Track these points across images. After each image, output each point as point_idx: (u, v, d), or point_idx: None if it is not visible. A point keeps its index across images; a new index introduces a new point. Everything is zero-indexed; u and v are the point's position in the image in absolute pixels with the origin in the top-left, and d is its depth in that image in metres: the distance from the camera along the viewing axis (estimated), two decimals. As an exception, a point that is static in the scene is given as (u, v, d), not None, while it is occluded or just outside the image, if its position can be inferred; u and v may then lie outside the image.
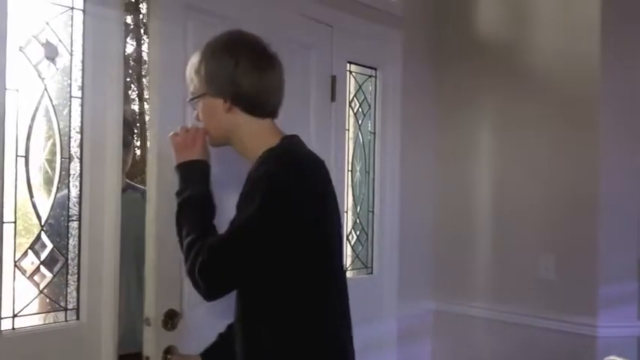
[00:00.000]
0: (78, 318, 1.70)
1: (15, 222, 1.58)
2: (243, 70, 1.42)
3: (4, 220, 1.54)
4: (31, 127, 1.62)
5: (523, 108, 2.64)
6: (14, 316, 1.58)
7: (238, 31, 1.51)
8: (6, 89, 1.54)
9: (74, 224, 1.70)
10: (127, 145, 2.15)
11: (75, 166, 1.70)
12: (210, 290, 1.29)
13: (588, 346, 2.36)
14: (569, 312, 2.44)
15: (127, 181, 2.31)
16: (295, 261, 1.33)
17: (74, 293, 1.70)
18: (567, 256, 2.48)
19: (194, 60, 1.46)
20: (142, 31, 9.96)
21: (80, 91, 1.70)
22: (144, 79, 9.81)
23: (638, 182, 2.44)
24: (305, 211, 1.32)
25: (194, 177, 1.44)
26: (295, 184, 1.32)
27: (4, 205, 1.54)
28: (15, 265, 1.58)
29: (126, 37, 9.64)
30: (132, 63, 9.65)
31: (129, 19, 9.54)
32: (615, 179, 2.42)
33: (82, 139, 1.70)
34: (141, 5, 9.91)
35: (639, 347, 2.38)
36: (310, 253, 1.35)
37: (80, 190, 1.70)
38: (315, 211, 1.35)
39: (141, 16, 9.97)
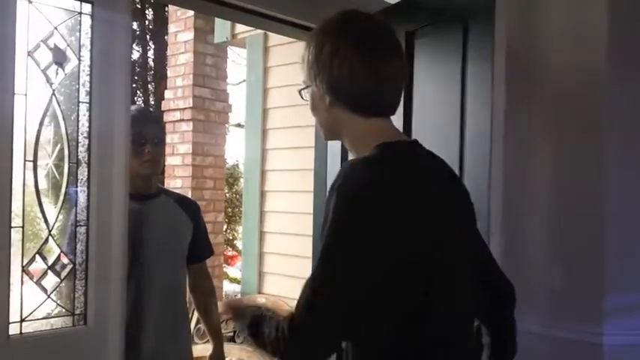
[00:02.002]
0: (85, 323, 1.70)
1: (23, 227, 1.58)
2: (343, 59, 1.17)
3: (13, 225, 1.54)
4: (39, 132, 1.62)
5: (529, 116, 2.63)
6: (22, 320, 1.58)
7: (353, 10, 1.25)
8: (14, 94, 1.54)
9: (82, 229, 1.70)
10: (159, 143, 2.10)
11: (83, 171, 1.70)
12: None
13: (594, 354, 2.34)
14: (574, 319, 2.42)
15: (160, 185, 2.26)
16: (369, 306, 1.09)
17: (82, 298, 1.70)
18: (574, 263, 2.46)
19: (304, 45, 1.26)
20: (148, 37, 10.01)
21: (88, 96, 1.70)
22: (149, 85, 9.85)
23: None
24: (374, 247, 1.07)
25: (249, 314, 1.28)
26: (359, 216, 1.08)
27: (13, 210, 1.54)
28: (23, 270, 1.59)
29: (132, 44, 9.72)
30: (138, 69, 9.69)
31: (135, 26, 9.60)
32: (622, 187, 2.41)
33: (89, 144, 1.70)
34: (147, 12, 9.99)
35: (646, 355, 2.37)
36: (382, 295, 1.09)
37: (88, 196, 1.70)
38: (387, 249, 1.08)
39: (147, 22, 10.03)
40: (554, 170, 2.55)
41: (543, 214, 2.58)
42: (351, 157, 1.25)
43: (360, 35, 1.19)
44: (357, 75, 1.18)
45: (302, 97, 1.30)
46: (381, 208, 1.09)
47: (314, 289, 1.08)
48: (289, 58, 4.11)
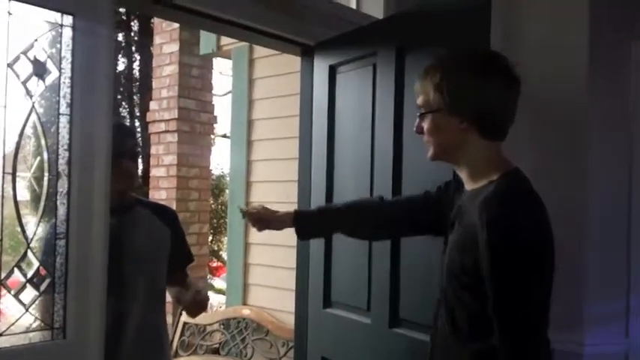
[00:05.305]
0: (65, 337, 1.68)
1: (1, 240, 1.56)
2: (492, 95, 1.38)
3: (-10, 238, 1.53)
4: (18, 144, 1.61)
5: (510, 131, 2.64)
6: (-1, 335, 1.56)
7: (484, 48, 1.50)
8: (-7, 106, 1.53)
9: (61, 242, 1.68)
10: (133, 156, 2.10)
11: (63, 184, 1.69)
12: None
13: (575, 364, 2.35)
14: (555, 328, 2.41)
15: (135, 196, 2.23)
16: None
17: (61, 312, 1.67)
18: (555, 272, 2.47)
19: (434, 73, 1.42)
20: (134, 48, 9.99)
21: (69, 109, 1.69)
22: (135, 97, 9.82)
23: (626, 200, 2.45)
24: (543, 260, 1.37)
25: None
26: (536, 236, 1.33)
27: (-10, 222, 1.53)
28: (0, 284, 1.57)
29: (117, 55, 9.73)
30: (123, 80, 9.66)
31: (120, 37, 9.58)
32: (603, 196, 2.43)
33: (70, 157, 1.69)
34: (132, 23, 9.97)
35: (626, 365, 2.37)
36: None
37: (68, 208, 1.69)
38: (546, 262, 1.39)
39: (132, 33, 10.01)
40: (536, 181, 2.57)
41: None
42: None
43: (505, 72, 1.40)
44: (503, 107, 1.40)
45: (420, 122, 1.46)
46: (546, 234, 1.36)
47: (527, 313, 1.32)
48: (275, 70, 4.12)
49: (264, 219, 1.81)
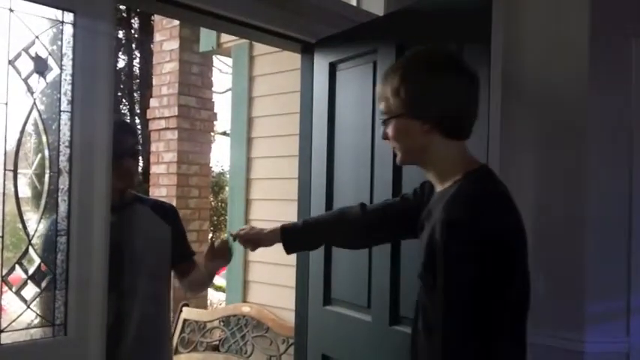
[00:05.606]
0: (66, 334, 1.68)
1: (2, 237, 1.56)
2: (451, 94, 1.37)
3: (-8, 235, 1.53)
4: (19, 141, 1.61)
5: (511, 130, 2.64)
6: (0, 331, 1.56)
7: (437, 48, 1.46)
8: (-5, 103, 1.53)
9: (62, 239, 1.68)
10: (134, 155, 2.11)
11: (64, 181, 1.69)
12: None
13: (575, 362, 2.36)
14: (556, 327, 2.43)
15: (134, 193, 2.22)
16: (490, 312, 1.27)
17: (62, 308, 1.68)
18: (556, 271, 2.48)
19: (392, 78, 1.41)
20: (134, 46, 9.99)
21: (70, 106, 1.69)
22: (135, 94, 9.82)
23: (626, 200, 2.45)
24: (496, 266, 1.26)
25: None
26: (494, 236, 1.26)
27: (-8, 219, 1.53)
28: (2, 280, 1.57)
29: (117, 52, 9.72)
30: (123, 78, 9.67)
31: (120, 34, 9.58)
32: (603, 197, 2.43)
33: (71, 154, 1.69)
34: (132, 20, 9.97)
35: (627, 364, 2.38)
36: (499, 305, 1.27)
37: (69, 205, 1.69)
38: (506, 266, 1.29)
39: (132, 31, 10.01)
40: (538, 182, 2.57)
41: (526, 224, 2.59)
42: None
43: (459, 70, 1.39)
44: (462, 106, 1.39)
45: (383, 125, 1.46)
46: (508, 234, 1.32)
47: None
48: (275, 67, 4.12)
49: (254, 239, 1.89)
